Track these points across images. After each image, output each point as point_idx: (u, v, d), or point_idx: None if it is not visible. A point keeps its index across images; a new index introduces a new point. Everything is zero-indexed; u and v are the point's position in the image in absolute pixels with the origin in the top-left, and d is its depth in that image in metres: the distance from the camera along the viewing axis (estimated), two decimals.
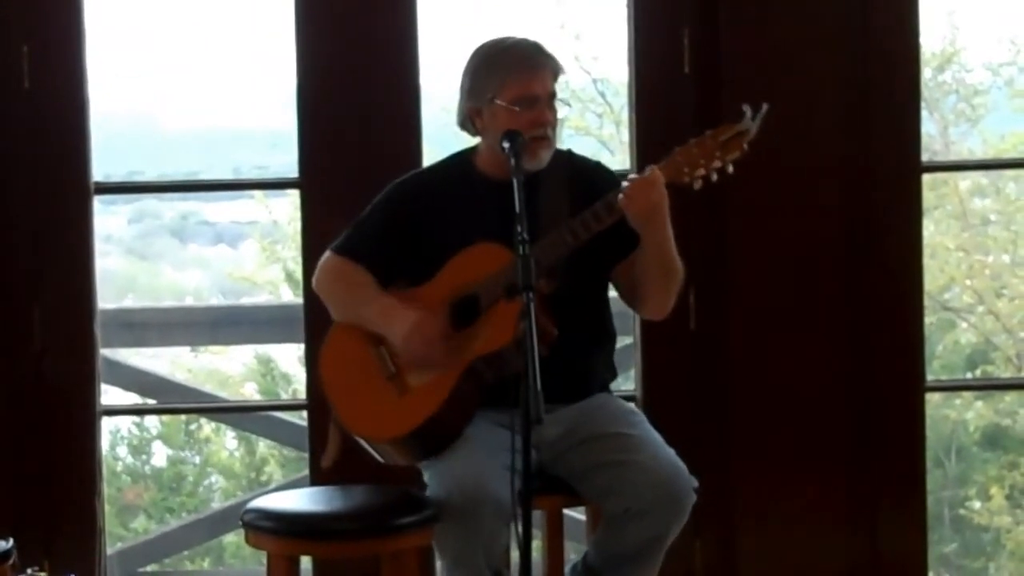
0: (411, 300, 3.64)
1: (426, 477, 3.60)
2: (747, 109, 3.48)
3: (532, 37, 3.69)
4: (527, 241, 3.26)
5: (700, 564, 4.43)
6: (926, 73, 8.69)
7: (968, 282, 8.87)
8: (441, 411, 3.54)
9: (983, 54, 9.06)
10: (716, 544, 4.45)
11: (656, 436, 3.61)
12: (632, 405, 3.86)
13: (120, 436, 9.26)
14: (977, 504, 8.58)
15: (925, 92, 8.32)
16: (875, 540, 4.47)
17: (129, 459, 9.39)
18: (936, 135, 8.83)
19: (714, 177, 3.49)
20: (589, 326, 3.67)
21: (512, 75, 3.57)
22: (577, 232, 3.49)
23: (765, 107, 3.46)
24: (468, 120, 3.67)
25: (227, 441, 9.39)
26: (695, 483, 3.53)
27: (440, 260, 3.63)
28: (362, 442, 3.69)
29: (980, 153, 8.89)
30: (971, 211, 9.01)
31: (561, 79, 3.66)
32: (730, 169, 3.49)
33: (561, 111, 3.67)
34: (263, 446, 9.01)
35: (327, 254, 3.78)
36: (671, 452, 3.56)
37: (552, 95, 3.60)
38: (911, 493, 4.50)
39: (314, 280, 3.81)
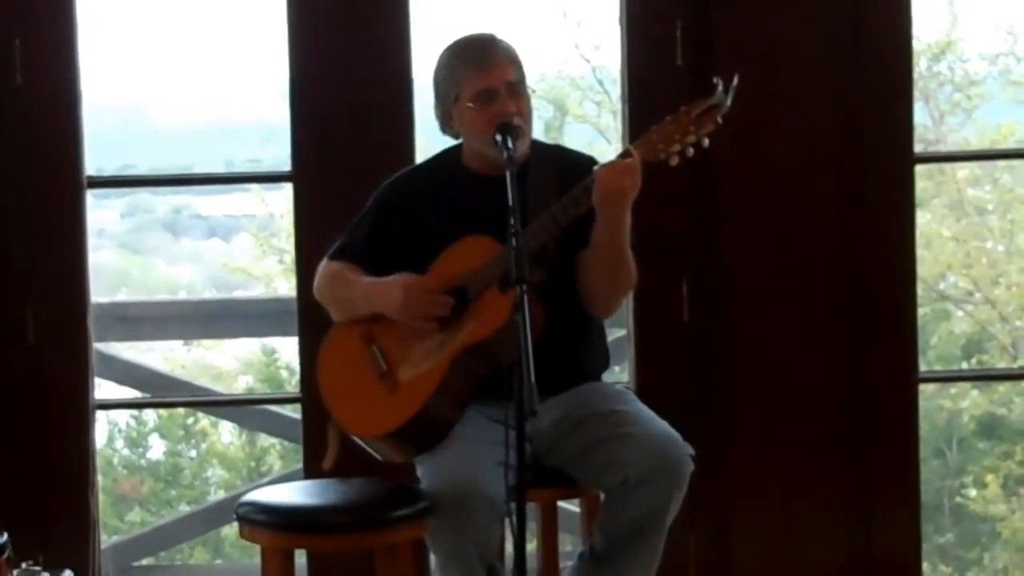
0: None
1: (419, 473, 3.60)
2: (718, 82, 3.48)
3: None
4: (519, 233, 3.26)
5: (694, 555, 4.43)
6: (922, 63, 8.69)
7: (965, 271, 8.88)
8: (430, 404, 3.54)
9: (980, 44, 9.06)
10: (710, 536, 4.45)
11: (648, 410, 3.61)
12: (623, 387, 3.86)
13: (118, 429, 9.26)
14: (973, 492, 8.58)
15: (921, 82, 8.35)
16: (869, 531, 4.48)
17: (126, 452, 9.39)
18: (931, 125, 8.83)
19: (690, 152, 3.49)
20: (577, 315, 3.66)
21: (466, 74, 3.59)
22: (557, 217, 3.50)
23: (736, 79, 3.46)
24: (445, 123, 3.70)
25: (225, 434, 9.39)
26: (691, 451, 3.51)
27: (431, 257, 3.64)
28: (360, 442, 3.71)
29: (975, 143, 8.90)
30: (968, 200, 9.01)
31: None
32: (705, 143, 3.48)
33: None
34: (263, 437, 9.01)
35: (323, 261, 3.81)
36: (664, 423, 3.55)
37: (513, 84, 3.60)
38: (905, 484, 4.51)
39: (314, 288, 3.83)
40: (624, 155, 3.51)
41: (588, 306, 3.65)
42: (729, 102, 3.47)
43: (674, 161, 3.49)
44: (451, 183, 3.71)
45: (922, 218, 8.53)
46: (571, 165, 3.67)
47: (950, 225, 8.99)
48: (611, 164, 3.49)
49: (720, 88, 3.47)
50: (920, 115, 8.44)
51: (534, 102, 3.73)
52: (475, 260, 3.56)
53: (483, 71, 3.59)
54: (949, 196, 8.97)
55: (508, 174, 3.39)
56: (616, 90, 8.68)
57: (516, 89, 3.60)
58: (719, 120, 3.47)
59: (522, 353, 3.05)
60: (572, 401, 3.63)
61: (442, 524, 3.43)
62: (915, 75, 4.56)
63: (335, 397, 3.72)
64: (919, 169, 4.50)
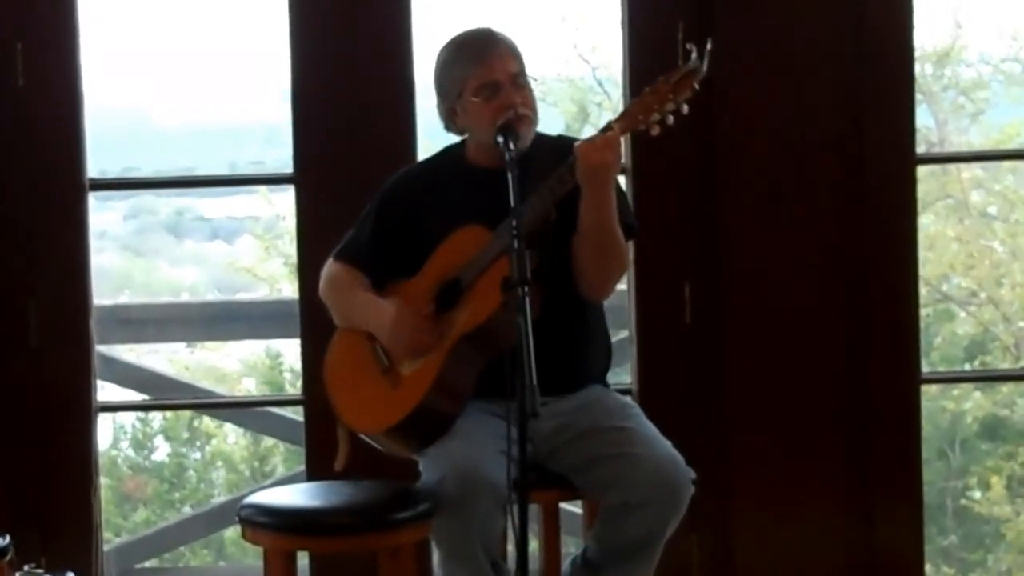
0: (399, 294, 3.68)
1: (421, 466, 3.61)
2: (692, 48, 3.51)
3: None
4: (520, 235, 3.26)
5: (697, 558, 4.43)
6: (927, 68, 8.70)
7: (969, 272, 8.88)
8: (430, 395, 3.56)
9: (985, 49, 9.06)
10: (713, 538, 4.45)
11: (653, 429, 3.62)
12: (628, 399, 3.86)
13: (124, 431, 9.26)
14: (976, 494, 8.58)
15: (925, 86, 8.35)
16: (872, 533, 4.47)
17: (131, 453, 9.39)
18: (935, 128, 8.83)
19: (670, 120, 3.49)
20: (573, 300, 3.66)
21: (469, 68, 3.62)
22: (544, 197, 3.51)
23: (709, 43, 3.49)
24: (449, 121, 3.72)
25: (230, 435, 9.39)
26: (692, 475, 3.53)
27: (433, 251, 3.66)
28: (366, 438, 3.72)
29: (979, 145, 8.91)
30: (972, 202, 9.02)
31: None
32: (685, 110, 3.49)
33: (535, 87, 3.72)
34: (267, 439, 9.01)
35: (328, 260, 3.82)
36: (668, 444, 3.56)
37: (516, 75, 3.62)
38: (908, 486, 4.50)
39: (319, 289, 3.85)
40: (604, 130, 3.53)
41: (583, 289, 3.64)
42: (705, 67, 3.49)
43: (655, 131, 3.51)
44: (454, 178, 3.73)
45: (926, 219, 8.54)
46: (569, 150, 3.67)
47: (954, 226, 9.00)
48: (591, 140, 3.51)
49: (695, 54, 3.50)
50: (924, 118, 8.45)
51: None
52: (469, 250, 3.59)
53: (486, 65, 3.61)
54: (954, 198, 8.97)
55: (511, 176, 3.41)
56: (616, 91, 8.73)
57: (519, 80, 3.63)
58: (696, 86, 3.49)
59: (524, 356, 3.06)
60: (576, 409, 3.64)
61: (445, 513, 3.43)
62: (919, 79, 4.55)
63: (341, 396, 3.74)
64: (923, 171, 4.50)
